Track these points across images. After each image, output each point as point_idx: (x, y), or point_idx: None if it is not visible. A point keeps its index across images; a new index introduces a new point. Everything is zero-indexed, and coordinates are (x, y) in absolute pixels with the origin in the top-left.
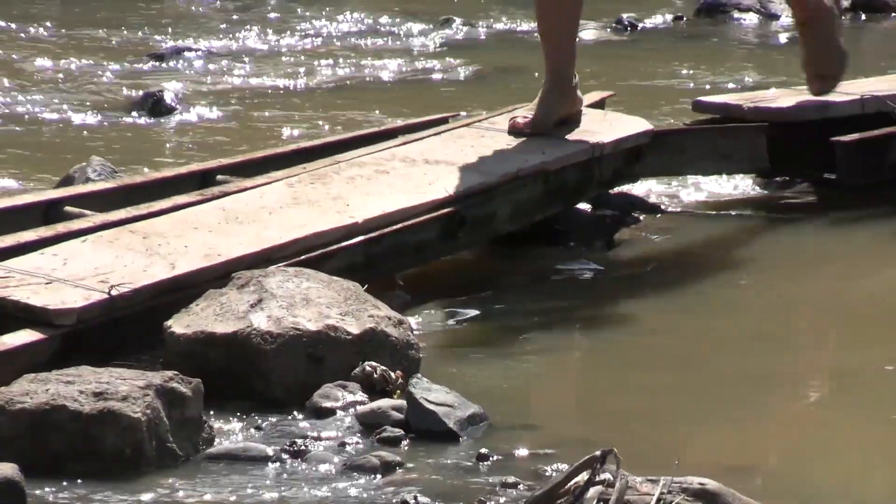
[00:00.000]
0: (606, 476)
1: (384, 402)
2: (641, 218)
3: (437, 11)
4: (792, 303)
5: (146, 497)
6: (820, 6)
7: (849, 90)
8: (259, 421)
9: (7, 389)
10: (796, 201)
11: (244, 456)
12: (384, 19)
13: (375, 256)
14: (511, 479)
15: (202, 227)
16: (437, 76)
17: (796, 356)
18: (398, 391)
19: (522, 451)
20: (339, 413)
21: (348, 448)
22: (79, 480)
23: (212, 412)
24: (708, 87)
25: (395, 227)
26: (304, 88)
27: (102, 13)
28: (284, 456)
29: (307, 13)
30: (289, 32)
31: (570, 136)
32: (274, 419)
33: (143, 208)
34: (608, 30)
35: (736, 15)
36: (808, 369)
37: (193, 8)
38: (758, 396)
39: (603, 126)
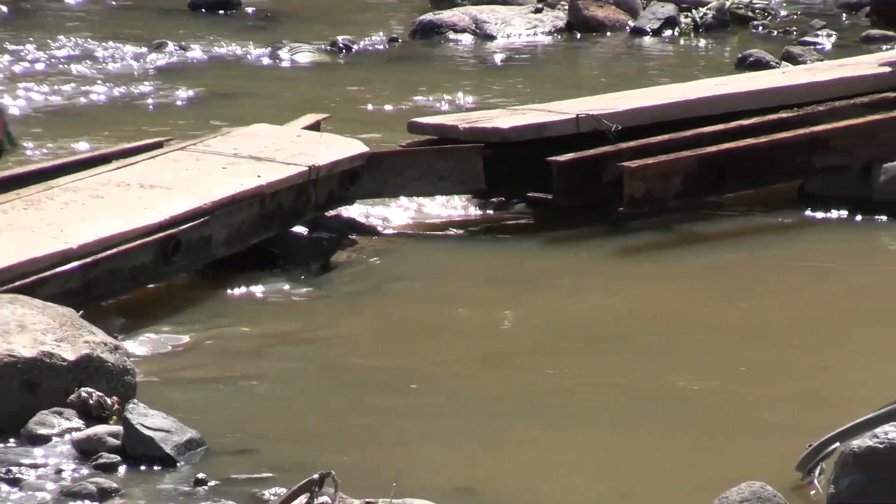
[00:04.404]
0: (324, 499)
1: (100, 429)
2: (358, 240)
3: (149, 36)
4: (512, 323)
5: None
6: None
7: (565, 109)
8: None
9: None
10: (514, 221)
11: None
12: (97, 44)
13: (91, 282)
14: None
15: None
16: (151, 100)
17: (519, 376)
18: (115, 417)
19: (240, 476)
20: (55, 440)
21: (64, 475)
22: None
23: None
24: (424, 107)
25: (110, 252)
26: (16, 114)
27: None
28: None
29: (21, 36)
30: (0, 56)
31: (286, 159)
32: None
33: None
34: (322, 52)
35: (451, 36)
36: (532, 389)
37: None
38: (483, 418)
39: (319, 148)
